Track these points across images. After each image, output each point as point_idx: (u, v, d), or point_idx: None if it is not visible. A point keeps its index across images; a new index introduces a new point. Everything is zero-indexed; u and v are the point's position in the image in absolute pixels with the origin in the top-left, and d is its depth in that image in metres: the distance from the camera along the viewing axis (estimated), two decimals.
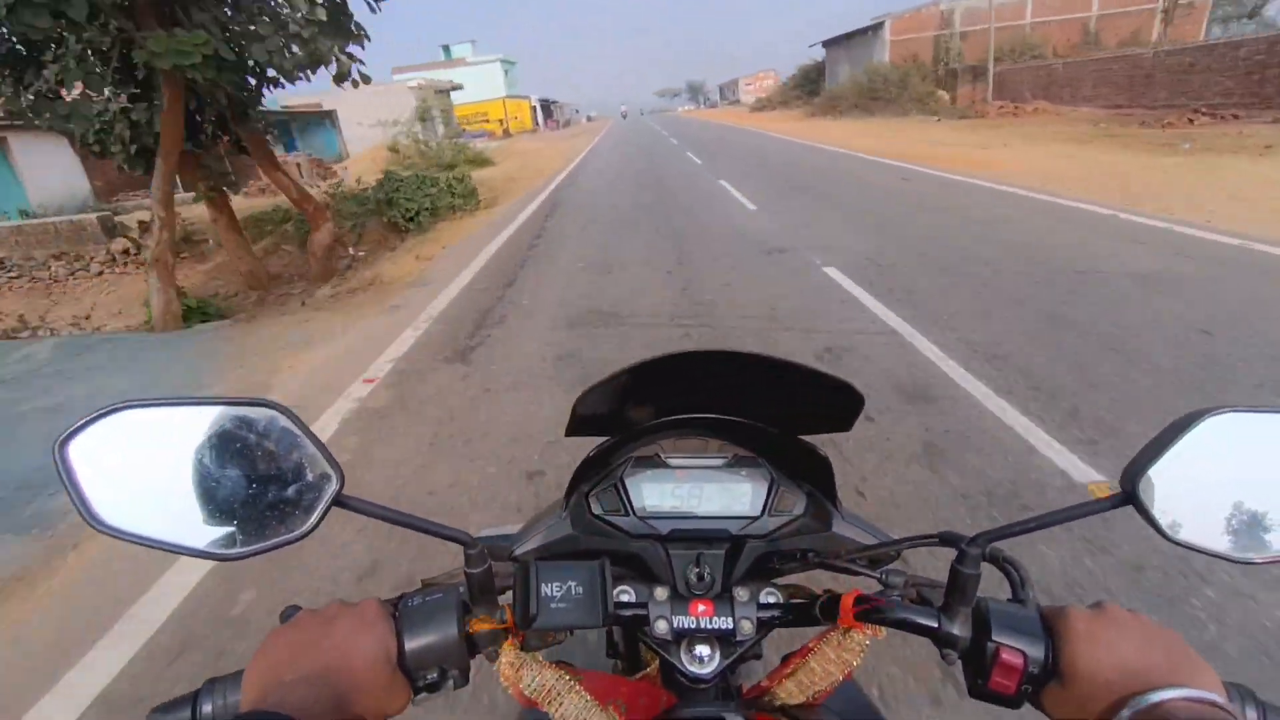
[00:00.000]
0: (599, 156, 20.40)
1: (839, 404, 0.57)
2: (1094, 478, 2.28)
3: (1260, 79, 13.37)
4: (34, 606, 2.12)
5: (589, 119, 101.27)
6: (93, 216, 12.73)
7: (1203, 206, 6.09)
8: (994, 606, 0.45)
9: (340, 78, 6.88)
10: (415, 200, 10.47)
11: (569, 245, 7.00)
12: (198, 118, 7.82)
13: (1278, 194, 6.36)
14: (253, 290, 9.26)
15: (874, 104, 26.70)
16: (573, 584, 0.47)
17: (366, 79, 7.43)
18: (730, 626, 0.53)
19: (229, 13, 6.18)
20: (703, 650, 0.53)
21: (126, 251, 11.84)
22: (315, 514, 0.44)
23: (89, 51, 5.93)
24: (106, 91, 6.63)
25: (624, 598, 0.55)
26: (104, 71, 5.90)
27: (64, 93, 6.42)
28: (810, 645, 0.54)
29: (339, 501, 0.44)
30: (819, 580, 0.62)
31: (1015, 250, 5.18)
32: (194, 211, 12.36)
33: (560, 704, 0.51)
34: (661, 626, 0.53)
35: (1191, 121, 12.72)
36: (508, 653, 0.51)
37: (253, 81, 7.81)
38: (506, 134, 43.13)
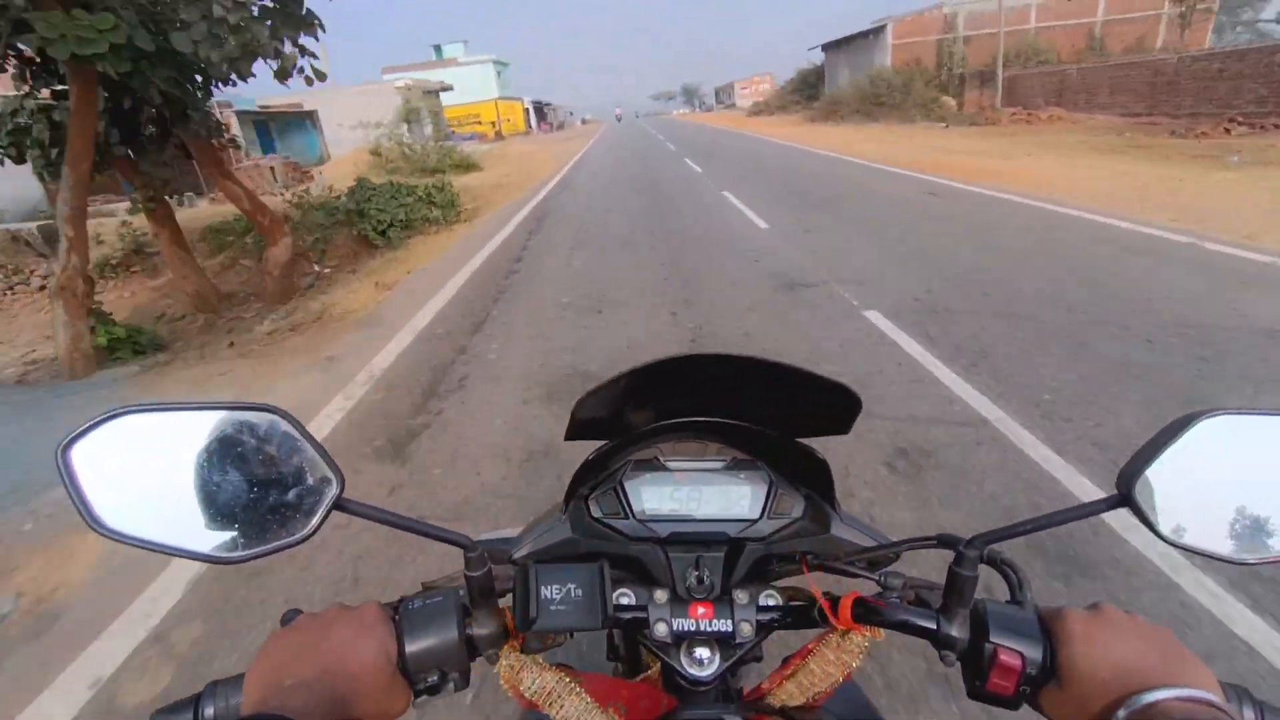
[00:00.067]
0: (593, 161, 19.34)
1: (837, 406, 0.56)
2: None
3: None
4: None
5: (583, 121, 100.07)
6: (33, 226, 11.65)
7: None
8: (992, 608, 0.45)
9: (282, 74, 5.84)
10: (388, 211, 9.45)
11: (553, 273, 5.99)
12: (138, 118, 6.83)
13: None
14: (201, 313, 8.23)
15: (877, 109, 25.87)
16: (572, 587, 0.47)
17: (321, 75, 6.38)
18: (730, 629, 0.53)
19: None
20: (702, 653, 0.53)
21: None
22: (316, 517, 0.44)
23: None
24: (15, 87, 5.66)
25: (623, 600, 0.54)
26: None
27: None
28: (809, 647, 0.55)
29: (339, 505, 0.45)
30: (818, 582, 0.55)
31: (1095, 291, 4.22)
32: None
33: (561, 706, 0.51)
34: (661, 629, 0.53)
35: (1228, 131, 11.85)
36: (508, 655, 0.51)
37: (199, 79, 6.82)
38: (499, 136, 42.12)
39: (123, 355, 5.63)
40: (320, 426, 3.13)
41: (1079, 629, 0.42)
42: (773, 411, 0.59)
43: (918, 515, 2.19)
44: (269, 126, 23.26)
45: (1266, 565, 0.43)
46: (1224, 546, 0.42)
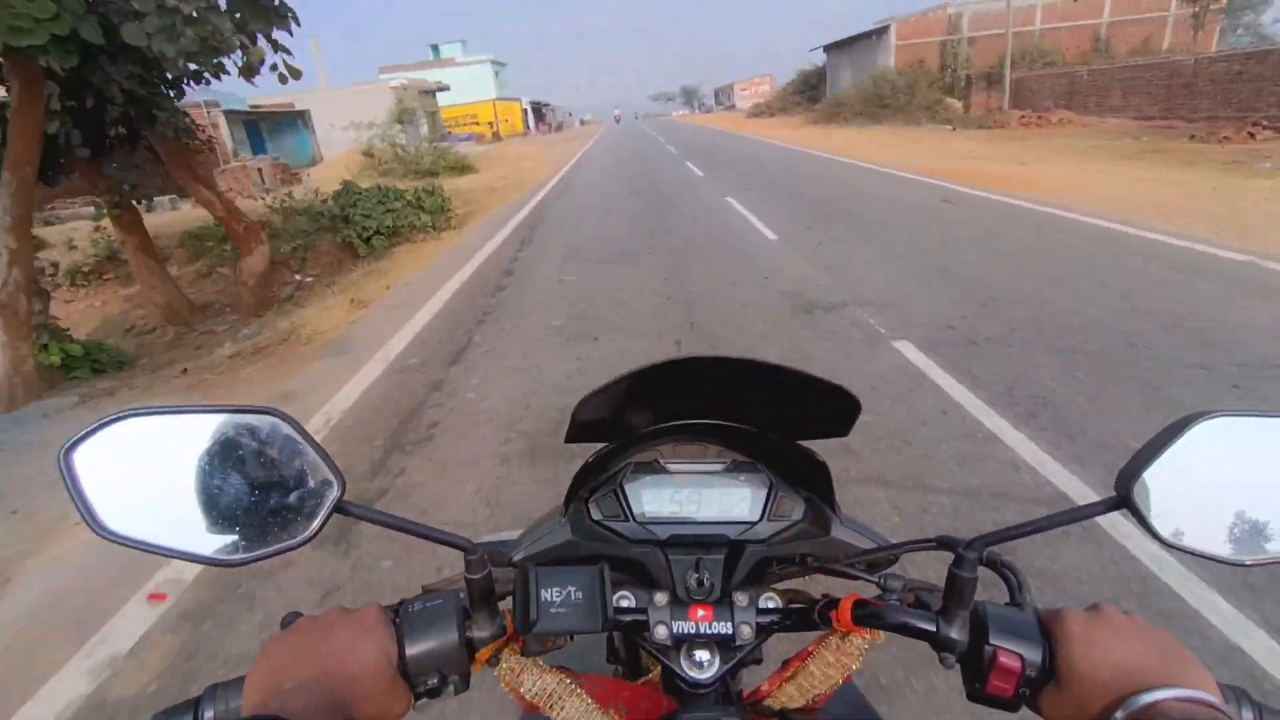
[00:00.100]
0: (592, 163, 18.84)
1: (837, 408, 0.55)
2: None
3: None
4: None
5: (582, 122, 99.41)
6: None
7: None
8: (991, 610, 0.45)
9: (249, 71, 5.33)
10: (374, 218, 8.93)
11: (545, 290, 5.48)
12: (102, 118, 6.34)
13: None
14: (172, 325, 7.72)
15: (881, 111, 25.41)
16: (572, 589, 0.47)
17: (295, 73, 5.88)
18: (730, 631, 0.52)
19: None
20: (702, 655, 0.52)
21: (43, 271, 10.13)
22: (317, 520, 0.43)
23: None
24: None
25: (624, 603, 0.53)
26: None
27: None
28: (809, 649, 0.54)
29: (340, 508, 0.44)
30: (817, 584, 0.58)
31: (1156, 320, 3.73)
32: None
33: (561, 708, 0.51)
34: (661, 631, 0.52)
35: (1253, 135, 11.39)
36: (508, 658, 0.51)
37: (170, 76, 6.32)
38: (496, 137, 41.59)
39: (80, 374, 5.14)
40: None
41: (1078, 630, 0.41)
42: (773, 414, 0.59)
43: None
44: (259, 127, 22.74)
45: (1263, 566, 0.43)
46: (1222, 548, 0.42)
